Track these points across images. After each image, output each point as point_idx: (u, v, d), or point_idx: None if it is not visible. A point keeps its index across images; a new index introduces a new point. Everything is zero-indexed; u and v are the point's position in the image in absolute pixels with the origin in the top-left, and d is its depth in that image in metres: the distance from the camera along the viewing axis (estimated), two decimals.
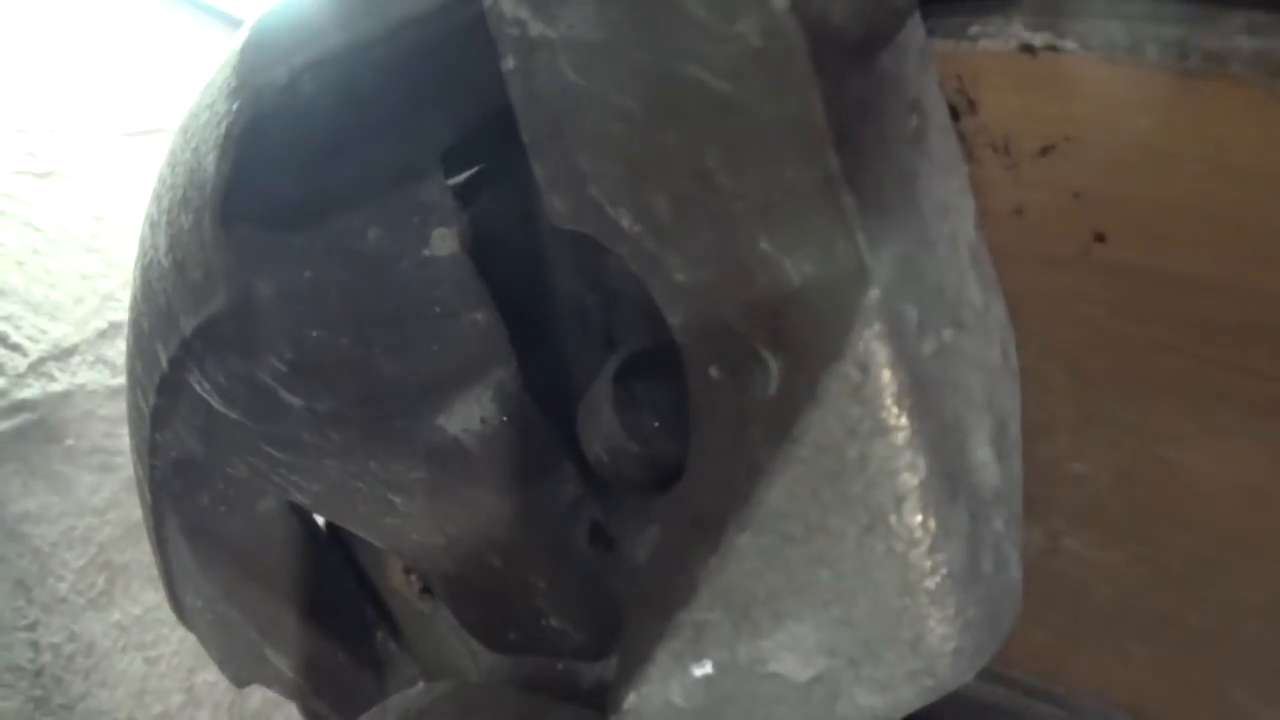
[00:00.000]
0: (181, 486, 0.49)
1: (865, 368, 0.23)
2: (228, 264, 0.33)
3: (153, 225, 0.39)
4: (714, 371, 0.27)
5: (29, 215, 1.48)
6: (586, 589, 0.36)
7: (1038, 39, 0.28)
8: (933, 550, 0.23)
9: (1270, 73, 0.26)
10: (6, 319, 1.36)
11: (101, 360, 1.42)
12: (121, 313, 1.44)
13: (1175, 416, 0.31)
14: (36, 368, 1.35)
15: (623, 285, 0.33)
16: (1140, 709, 0.35)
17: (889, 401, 0.23)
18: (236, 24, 1.98)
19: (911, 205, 0.25)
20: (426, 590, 0.56)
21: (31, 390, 1.32)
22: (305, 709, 0.61)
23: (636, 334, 0.32)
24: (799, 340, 0.24)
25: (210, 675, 1.51)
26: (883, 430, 0.23)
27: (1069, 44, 0.28)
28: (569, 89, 0.27)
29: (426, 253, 0.34)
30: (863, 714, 0.25)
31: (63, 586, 1.33)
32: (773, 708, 0.26)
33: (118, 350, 1.42)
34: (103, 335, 1.46)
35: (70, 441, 1.35)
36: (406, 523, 0.39)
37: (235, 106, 0.32)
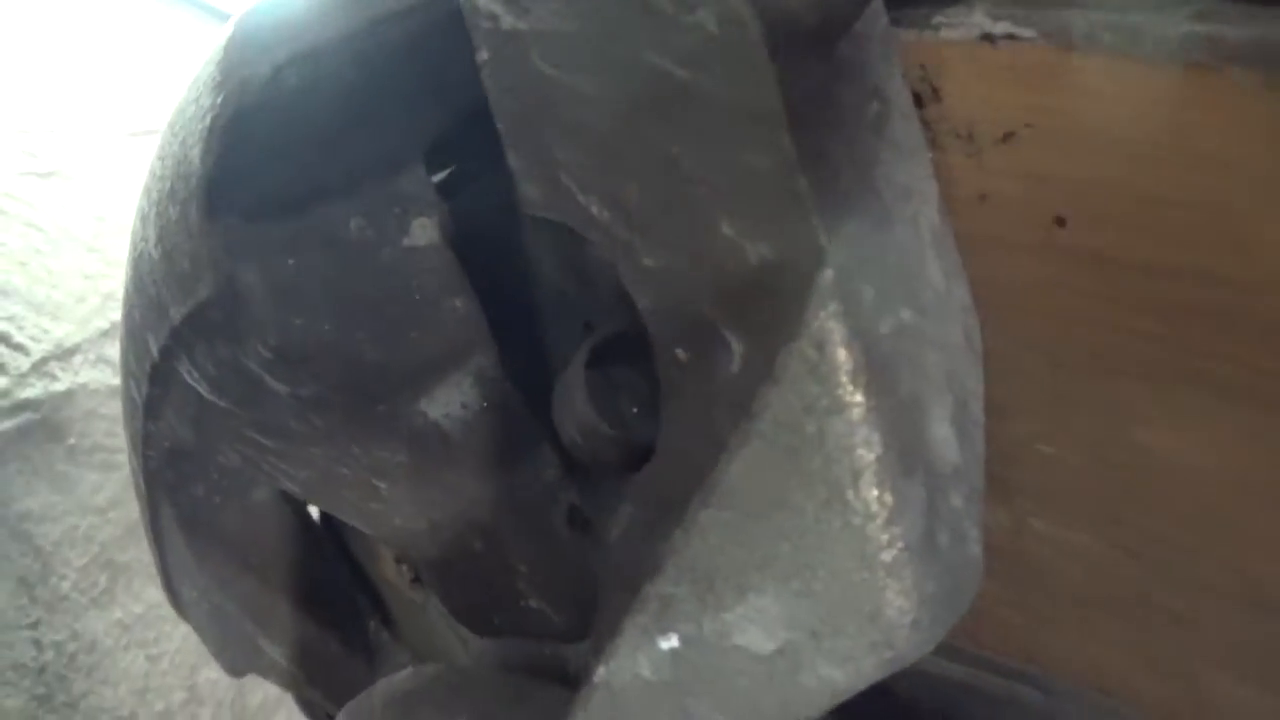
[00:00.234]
0: (175, 477, 0.50)
1: (821, 346, 0.24)
2: (213, 253, 0.34)
3: (143, 218, 0.40)
4: (680, 353, 0.28)
5: (31, 215, 1.48)
6: (565, 571, 0.37)
7: (998, 28, 0.29)
8: (889, 524, 0.24)
9: (1223, 57, 0.27)
10: (9, 319, 1.36)
11: (103, 359, 1.42)
12: None
13: (1143, 400, 0.32)
14: (39, 367, 1.35)
15: (599, 272, 0.34)
16: (1111, 688, 0.36)
17: (844, 379, 0.24)
18: None
19: (871, 189, 0.25)
20: (418, 580, 0.57)
21: (34, 390, 1.32)
22: (299, 698, 0.62)
23: (613, 319, 0.32)
24: (759, 321, 0.25)
25: (212, 673, 1.51)
26: (839, 407, 0.24)
27: (1028, 33, 0.29)
28: (540, 79, 0.28)
29: (407, 242, 0.35)
30: (825, 685, 0.26)
31: (65, 585, 1.33)
32: (738, 680, 0.27)
33: (119, 350, 1.43)
34: (105, 335, 1.46)
35: (72, 441, 1.35)
36: (390, 508, 0.39)
37: (219, 100, 0.33)
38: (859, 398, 0.24)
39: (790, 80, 0.23)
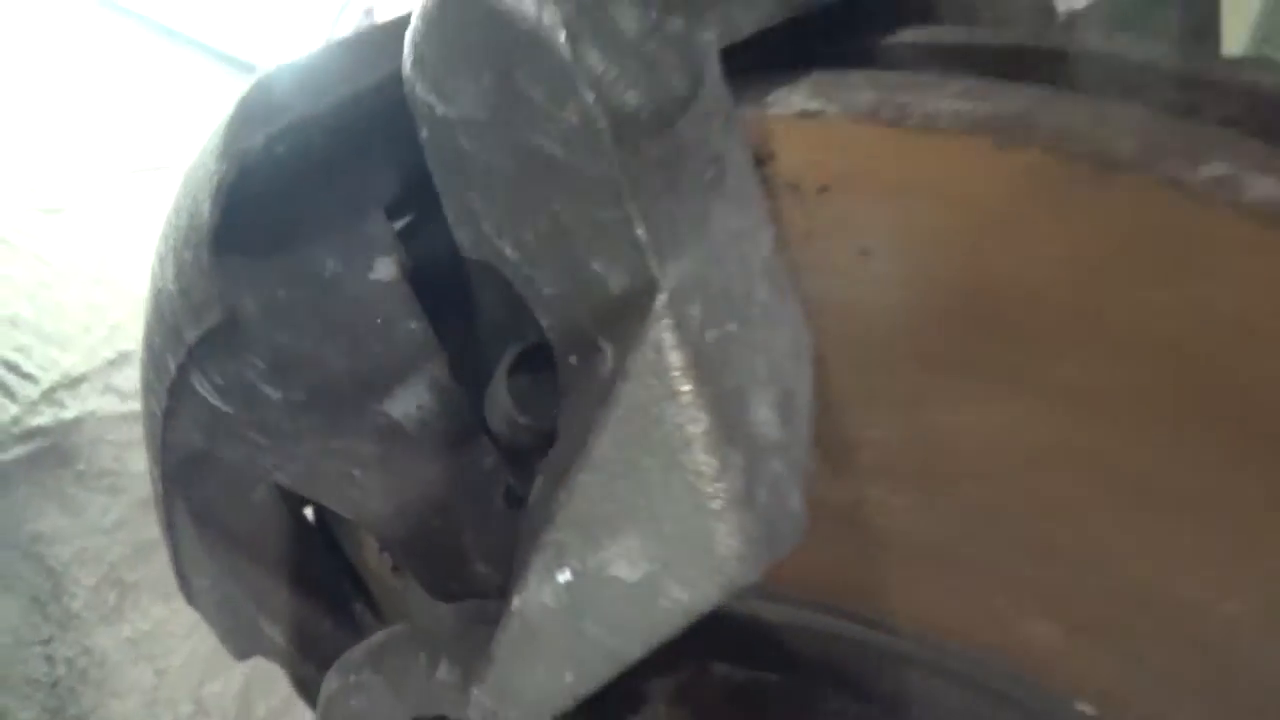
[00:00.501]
0: (188, 478, 0.58)
1: (659, 350, 0.33)
2: (220, 287, 0.43)
3: (161, 260, 0.49)
4: (573, 359, 0.37)
5: (39, 249, 1.50)
6: (503, 538, 0.46)
7: (813, 105, 0.38)
8: (714, 480, 0.33)
9: (973, 126, 0.36)
10: (19, 349, 1.39)
11: (110, 388, 1.46)
12: (129, 342, 1.47)
13: (946, 389, 0.41)
14: (48, 396, 1.39)
15: (518, 300, 0.43)
16: (940, 626, 0.45)
17: (676, 374, 0.33)
18: (234, 64, 2.06)
19: (701, 233, 0.34)
20: (397, 568, 0.66)
21: (43, 417, 1.37)
22: (294, 675, 0.70)
23: (529, 336, 0.42)
24: (621, 333, 0.34)
25: (217, 686, 1.54)
26: (671, 395, 0.33)
27: (833, 109, 0.38)
28: (463, 153, 0.37)
29: (372, 276, 0.44)
30: (679, 605, 0.35)
31: (76, 603, 1.37)
32: (615, 604, 0.36)
33: (125, 378, 1.45)
34: (111, 364, 1.47)
35: (81, 466, 1.39)
36: (366, 494, 0.48)
37: (224, 167, 0.42)
38: (687, 387, 0.33)
39: (628, 158, 0.32)
